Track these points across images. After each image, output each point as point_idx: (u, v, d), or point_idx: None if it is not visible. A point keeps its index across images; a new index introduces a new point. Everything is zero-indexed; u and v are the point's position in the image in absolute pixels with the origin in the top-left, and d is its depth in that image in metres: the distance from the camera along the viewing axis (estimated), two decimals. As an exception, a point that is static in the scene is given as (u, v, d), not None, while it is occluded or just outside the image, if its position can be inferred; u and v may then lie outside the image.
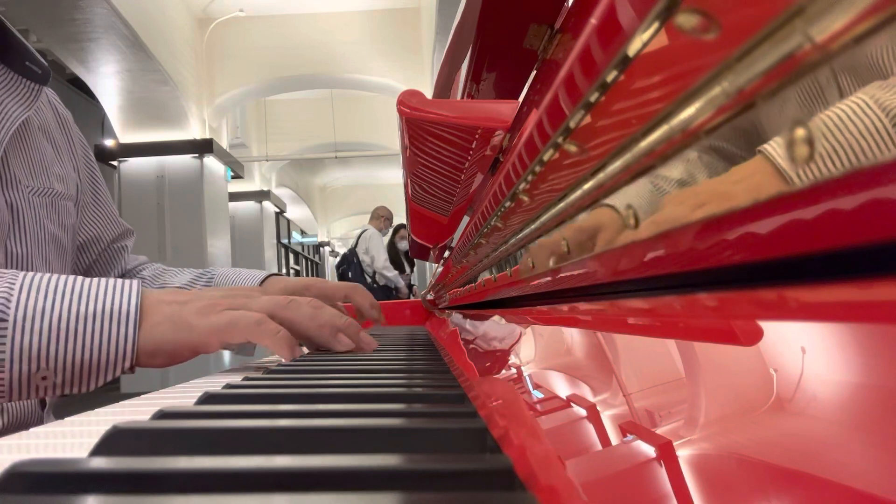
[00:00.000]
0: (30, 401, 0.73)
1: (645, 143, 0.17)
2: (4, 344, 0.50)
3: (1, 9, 0.76)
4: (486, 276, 0.54)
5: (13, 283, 0.52)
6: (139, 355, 0.55)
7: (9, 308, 0.51)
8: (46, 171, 0.79)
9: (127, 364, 0.54)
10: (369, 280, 5.00)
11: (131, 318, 0.54)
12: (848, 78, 0.10)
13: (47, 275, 0.54)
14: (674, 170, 0.16)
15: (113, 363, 0.53)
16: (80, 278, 0.55)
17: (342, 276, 5.18)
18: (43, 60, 0.78)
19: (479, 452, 0.25)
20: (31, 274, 0.54)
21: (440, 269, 1.16)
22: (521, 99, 0.38)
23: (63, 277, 0.55)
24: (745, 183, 0.13)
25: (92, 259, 0.92)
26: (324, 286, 0.90)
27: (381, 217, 5.19)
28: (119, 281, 0.56)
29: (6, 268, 0.71)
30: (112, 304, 0.54)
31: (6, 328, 0.50)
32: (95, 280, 0.56)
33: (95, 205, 0.92)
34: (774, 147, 0.12)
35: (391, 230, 5.43)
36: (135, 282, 0.57)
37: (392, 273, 4.98)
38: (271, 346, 0.59)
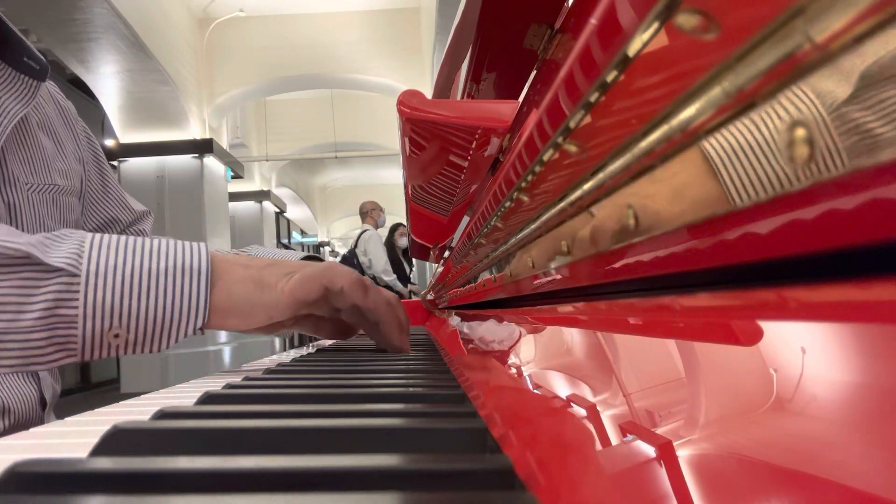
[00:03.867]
0: (31, 401, 0.73)
1: (645, 143, 0.17)
2: (77, 300, 0.49)
3: (0, 8, 0.75)
4: (486, 276, 0.54)
5: (83, 241, 0.52)
6: (214, 314, 0.54)
7: (80, 264, 0.50)
8: (48, 167, 0.78)
9: (199, 320, 0.53)
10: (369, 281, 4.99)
11: (202, 273, 0.54)
12: (848, 78, 0.10)
13: (114, 235, 0.54)
14: (674, 170, 0.16)
15: (185, 319, 0.53)
16: (147, 238, 0.55)
17: None
18: (41, 56, 0.77)
19: (480, 452, 0.25)
20: (99, 234, 0.54)
21: (440, 269, 1.16)
22: (521, 99, 0.38)
23: (131, 237, 0.54)
24: (745, 183, 0.13)
25: None
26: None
27: (371, 211, 5.18)
28: (188, 242, 0.56)
29: None
30: (183, 260, 0.54)
31: (79, 283, 0.50)
32: (164, 240, 0.55)
33: (105, 192, 0.91)
34: (774, 147, 0.12)
35: (388, 229, 5.43)
36: (202, 243, 0.57)
37: (391, 277, 4.97)
38: (348, 290, 0.59)
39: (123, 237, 0.54)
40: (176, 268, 0.53)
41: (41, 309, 0.48)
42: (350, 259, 5.10)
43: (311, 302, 0.59)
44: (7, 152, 0.73)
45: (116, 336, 0.51)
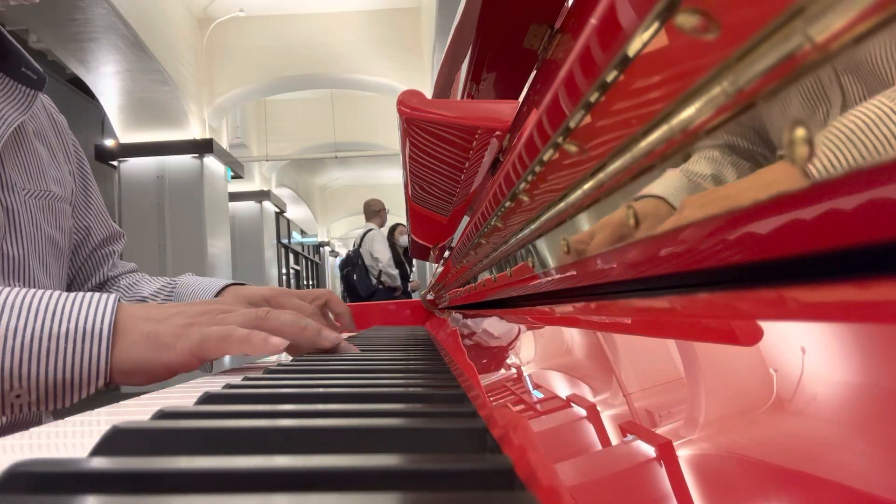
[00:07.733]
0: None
1: (645, 143, 0.17)
2: None
3: (0, 9, 0.76)
4: (486, 276, 0.54)
5: None
6: (115, 374, 0.55)
7: None
8: (43, 174, 0.80)
9: (101, 382, 0.54)
10: (374, 281, 4.97)
11: (104, 336, 0.54)
12: (848, 78, 0.10)
13: (24, 291, 0.54)
14: (673, 170, 0.16)
15: (87, 382, 0.54)
16: (56, 294, 0.55)
17: (346, 279, 5.15)
18: (39, 67, 0.79)
19: (480, 452, 0.25)
20: (6, 290, 0.54)
21: (440, 269, 1.16)
22: (521, 99, 0.38)
23: (40, 293, 0.55)
24: (745, 183, 0.13)
25: (78, 265, 0.92)
26: (288, 296, 0.87)
27: (377, 212, 5.17)
28: (95, 297, 0.56)
29: (3, 270, 0.71)
30: (85, 322, 0.54)
31: None
32: (72, 296, 0.55)
33: (86, 208, 0.93)
34: (773, 147, 0.12)
35: (388, 228, 5.42)
36: (111, 297, 0.56)
37: (396, 271, 4.98)
38: (248, 352, 0.58)
39: (31, 293, 0.54)
40: (77, 331, 0.53)
41: None
42: (353, 259, 5.07)
43: (216, 358, 0.58)
44: (5, 158, 0.74)
45: (18, 396, 0.52)
